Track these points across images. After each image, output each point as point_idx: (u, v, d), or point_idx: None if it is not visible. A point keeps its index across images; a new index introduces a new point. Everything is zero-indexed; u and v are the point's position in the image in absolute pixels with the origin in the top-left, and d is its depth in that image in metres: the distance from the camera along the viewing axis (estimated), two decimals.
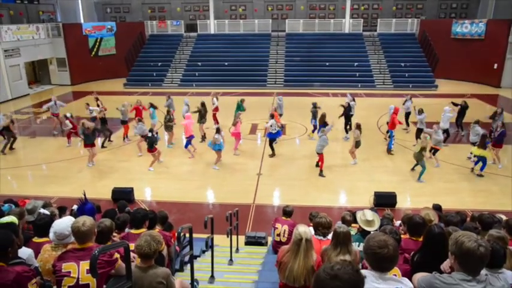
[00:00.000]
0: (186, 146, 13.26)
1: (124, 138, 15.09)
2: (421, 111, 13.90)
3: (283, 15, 32.70)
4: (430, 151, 12.26)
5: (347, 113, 15.25)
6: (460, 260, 2.42)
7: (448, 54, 26.11)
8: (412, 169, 12.18)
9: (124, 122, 14.99)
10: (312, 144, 14.22)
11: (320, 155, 11.99)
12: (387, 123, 15.08)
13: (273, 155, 13.43)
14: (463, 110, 15.16)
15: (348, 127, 15.38)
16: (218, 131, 12.45)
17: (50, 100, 16.65)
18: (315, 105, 15.26)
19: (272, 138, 13.46)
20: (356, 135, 12.37)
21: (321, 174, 12.04)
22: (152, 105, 15.03)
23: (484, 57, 25.16)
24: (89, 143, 12.38)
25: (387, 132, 14.55)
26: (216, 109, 16.28)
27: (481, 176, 11.64)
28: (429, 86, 25.02)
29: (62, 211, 6.27)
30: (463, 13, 31.29)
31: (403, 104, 15.96)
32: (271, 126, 13.17)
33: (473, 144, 12.13)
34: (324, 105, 15.74)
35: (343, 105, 15.30)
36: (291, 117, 17.53)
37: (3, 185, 11.31)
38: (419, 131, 13.73)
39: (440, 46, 26.31)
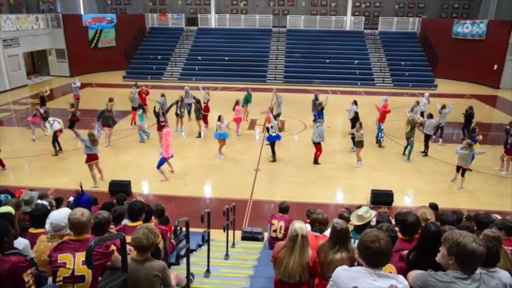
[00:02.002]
0: (158, 167, 11.11)
1: (132, 123, 16.05)
2: (430, 116, 13.28)
3: (284, 11, 32.56)
4: (458, 171, 10.97)
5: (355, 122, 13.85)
6: (461, 261, 2.43)
7: (448, 54, 26.07)
8: (404, 153, 13.02)
9: (134, 109, 15.89)
10: (309, 140, 14.23)
11: (318, 146, 12.27)
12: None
13: (273, 160, 12.73)
14: (468, 117, 14.70)
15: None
16: (220, 118, 12.70)
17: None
18: (316, 97, 15.66)
19: (272, 141, 12.64)
20: (359, 134, 12.06)
21: (316, 162, 12.48)
22: (141, 107, 14.96)
23: (484, 58, 25.14)
24: (106, 124, 13.68)
25: (376, 124, 14.67)
26: (207, 109, 15.51)
27: (469, 170, 11.53)
28: (429, 86, 25.01)
29: (58, 202, 6.26)
30: (464, 13, 31.21)
31: (411, 110, 14.71)
32: (271, 127, 12.48)
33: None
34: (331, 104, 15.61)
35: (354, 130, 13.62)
36: (289, 113, 17.52)
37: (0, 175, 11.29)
38: (427, 138, 13.23)
39: (441, 46, 26.29)
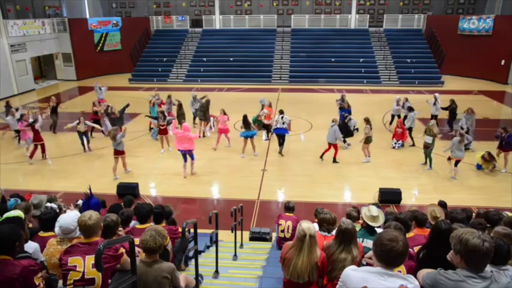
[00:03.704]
0: (189, 159, 11.53)
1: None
2: (410, 109, 13.97)
3: (288, 10, 32.52)
4: (449, 160, 11.49)
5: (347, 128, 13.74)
6: (467, 258, 2.41)
7: (454, 51, 25.86)
8: (425, 163, 12.25)
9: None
10: (316, 140, 14.22)
11: (334, 145, 12.39)
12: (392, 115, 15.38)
13: (280, 152, 13.18)
14: (451, 111, 15.09)
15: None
16: (245, 119, 12.94)
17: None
18: (343, 98, 15.63)
19: (279, 133, 13.01)
20: (367, 130, 12.26)
21: (334, 161, 12.52)
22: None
23: (491, 54, 24.90)
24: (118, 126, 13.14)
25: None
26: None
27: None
28: (435, 83, 24.83)
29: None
30: (470, 9, 30.93)
31: (402, 106, 15.20)
32: (277, 121, 12.94)
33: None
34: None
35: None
36: (296, 113, 17.49)
37: (9, 179, 11.38)
38: (410, 130, 13.96)
39: (447, 42, 26.08)
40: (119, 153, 11.33)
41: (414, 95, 21.37)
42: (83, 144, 13.60)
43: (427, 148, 11.90)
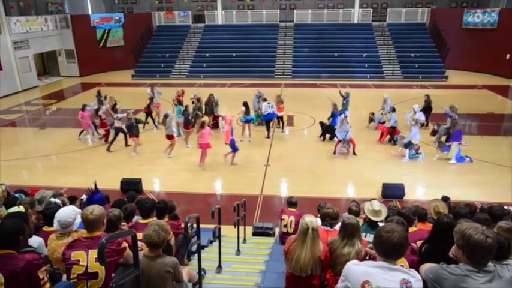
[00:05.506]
0: (234, 151, 12.02)
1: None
2: (393, 110, 13.78)
3: (291, 5, 32.33)
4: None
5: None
6: (469, 254, 2.39)
7: (459, 45, 25.67)
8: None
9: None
10: (318, 135, 14.22)
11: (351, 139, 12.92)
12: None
13: (268, 136, 14.40)
14: (428, 105, 15.10)
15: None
16: (245, 104, 14.11)
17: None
18: (342, 96, 15.70)
19: (270, 118, 14.34)
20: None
21: (353, 153, 12.88)
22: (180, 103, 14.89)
23: (496, 48, 24.68)
24: (134, 134, 12.94)
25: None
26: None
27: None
28: (439, 77, 24.68)
29: (72, 201, 6.34)
30: (475, 2, 30.62)
31: (382, 108, 15.28)
32: (266, 107, 14.13)
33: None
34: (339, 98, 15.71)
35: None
36: (299, 108, 17.46)
37: (14, 175, 11.45)
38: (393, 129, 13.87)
39: (451, 36, 25.86)
40: (169, 137, 12.50)
41: (418, 90, 21.27)
42: (113, 140, 13.46)
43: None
